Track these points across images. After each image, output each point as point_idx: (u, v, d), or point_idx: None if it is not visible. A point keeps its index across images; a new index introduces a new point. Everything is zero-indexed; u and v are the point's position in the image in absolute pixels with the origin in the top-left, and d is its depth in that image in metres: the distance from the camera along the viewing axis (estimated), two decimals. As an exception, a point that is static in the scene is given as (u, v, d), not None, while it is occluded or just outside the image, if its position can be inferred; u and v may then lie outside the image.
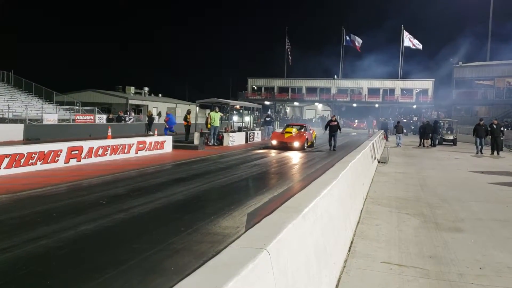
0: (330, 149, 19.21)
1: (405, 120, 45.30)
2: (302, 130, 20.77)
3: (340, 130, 19.88)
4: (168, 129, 22.07)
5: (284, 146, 19.16)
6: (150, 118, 28.14)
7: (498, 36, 47.38)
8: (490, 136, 20.48)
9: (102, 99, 48.97)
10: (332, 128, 19.41)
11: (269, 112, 27.97)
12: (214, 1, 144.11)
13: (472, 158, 18.52)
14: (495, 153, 19.90)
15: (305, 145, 19.42)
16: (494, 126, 20.47)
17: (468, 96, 46.33)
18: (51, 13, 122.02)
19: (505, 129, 24.71)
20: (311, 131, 21.44)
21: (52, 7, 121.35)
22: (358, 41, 62.04)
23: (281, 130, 23.07)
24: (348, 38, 62.13)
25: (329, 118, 20.82)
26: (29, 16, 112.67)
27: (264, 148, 19.43)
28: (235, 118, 24.88)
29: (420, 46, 58.26)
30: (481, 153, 19.91)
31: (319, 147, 21.17)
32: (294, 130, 20.32)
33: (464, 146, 25.49)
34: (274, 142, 19.86)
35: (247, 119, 28.57)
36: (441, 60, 56.60)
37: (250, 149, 19.08)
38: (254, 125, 28.74)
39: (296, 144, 18.95)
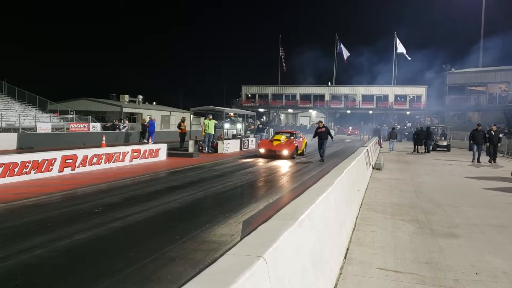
0: (320, 158, 17.83)
1: (399, 127, 45.58)
2: (292, 137, 19.93)
3: (332, 138, 18.48)
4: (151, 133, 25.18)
5: (273, 155, 18.26)
6: (144, 126, 28.12)
7: (490, 42, 47.69)
8: (487, 143, 19.04)
9: (96, 107, 48.84)
10: (320, 135, 17.94)
11: (262, 119, 27.72)
12: (208, 9, 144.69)
13: (466, 165, 17.87)
14: (493, 161, 18.45)
15: (295, 153, 18.60)
16: (493, 133, 18.82)
17: (461, 102, 46.64)
18: (44, 22, 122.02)
19: (503, 135, 23.13)
20: (301, 139, 20.64)
21: (44, 15, 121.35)
22: (346, 53, 62.41)
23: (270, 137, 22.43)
24: (341, 46, 62.65)
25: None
26: (22, 25, 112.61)
27: (258, 156, 19.28)
28: (227, 125, 24.57)
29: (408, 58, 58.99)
30: (478, 162, 18.42)
31: (310, 155, 20.76)
32: (283, 138, 19.31)
33: (458, 152, 25.67)
34: (262, 150, 18.85)
35: (239, 126, 28.53)
36: (434, 67, 57.11)
37: (244, 157, 19.04)
38: (248, 132, 28.75)
39: (285, 152, 18.09)
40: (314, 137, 18.54)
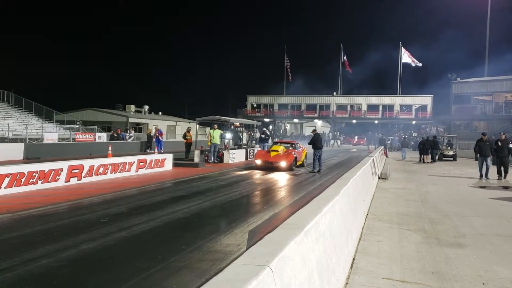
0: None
1: (404, 137, 45.65)
2: (291, 148, 18.80)
3: (315, 145, 16.99)
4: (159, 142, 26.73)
5: (270, 166, 17.29)
6: (149, 136, 28.22)
7: (496, 51, 47.82)
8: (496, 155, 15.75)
9: (102, 117, 49.16)
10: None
11: (264, 129, 27.00)
12: (215, 18, 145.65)
13: (473, 177, 16.04)
14: (503, 177, 15.42)
15: (294, 164, 17.49)
16: (500, 143, 15.73)
17: (466, 111, 46.56)
18: (51, 32, 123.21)
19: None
20: (300, 149, 19.48)
21: (51, 25, 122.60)
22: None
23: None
24: (345, 57, 62.88)
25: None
26: (29, 35, 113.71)
27: (260, 167, 18.91)
28: (228, 135, 23.96)
29: (419, 64, 58.69)
30: (486, 178, 15.47)
31: (311, 166, 18.91)
32: (281, 148, 18.23)
33: (464, 161, 25.56)
34: (258, 162, 17.91)
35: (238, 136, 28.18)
36: (440, 76, 57.04)
37: (250, 167, 18.97)
38: (254, 142, 28.64)
39: (283, 164, 16.96)
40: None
